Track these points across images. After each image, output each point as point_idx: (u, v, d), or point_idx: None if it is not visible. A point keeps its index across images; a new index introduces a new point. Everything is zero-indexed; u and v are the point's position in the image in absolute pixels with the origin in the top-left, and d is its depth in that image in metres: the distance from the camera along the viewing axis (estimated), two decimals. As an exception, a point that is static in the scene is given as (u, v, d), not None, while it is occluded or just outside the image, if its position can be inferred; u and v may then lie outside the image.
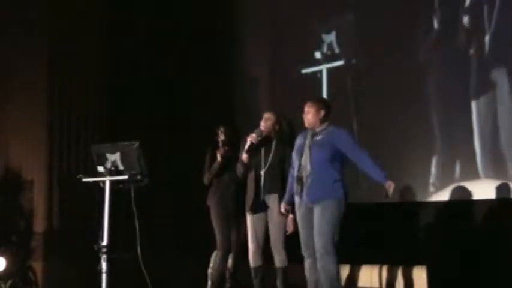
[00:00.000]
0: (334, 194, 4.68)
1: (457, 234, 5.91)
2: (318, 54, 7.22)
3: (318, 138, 4.76)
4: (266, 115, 5.40)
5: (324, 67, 7.17)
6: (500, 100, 5.90)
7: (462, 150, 6.13)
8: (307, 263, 4.82)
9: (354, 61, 6.98)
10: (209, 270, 5.63)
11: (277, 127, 5.34)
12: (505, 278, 5.46)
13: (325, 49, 7.19)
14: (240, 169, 5.36)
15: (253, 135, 5.26)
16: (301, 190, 4.71)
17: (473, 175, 6.04)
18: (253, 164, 5.30)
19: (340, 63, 7.07)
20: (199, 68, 8.00)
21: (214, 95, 7.87)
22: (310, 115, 4.81)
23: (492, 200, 5.88)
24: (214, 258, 5.60)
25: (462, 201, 6.12)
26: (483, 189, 5.92)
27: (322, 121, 4.81)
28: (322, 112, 4.80)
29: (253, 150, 5.26)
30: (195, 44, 8.04)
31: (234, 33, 8.07)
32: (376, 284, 6.35)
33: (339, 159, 4.74)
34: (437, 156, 6.26)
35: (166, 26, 8.12)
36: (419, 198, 6.37)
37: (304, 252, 4.81)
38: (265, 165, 5.25)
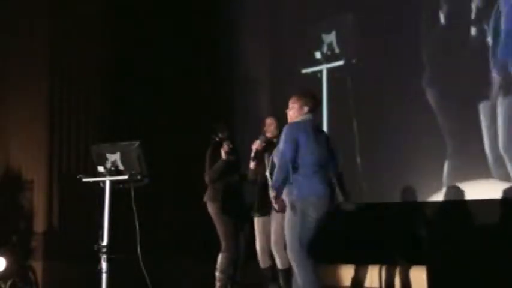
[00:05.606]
0: None
1: (457, 234, 5.91)
2: (318, 54, 7.22)
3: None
4: (268, 120, 5.50)
5: (324, 67, 7.17)
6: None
7: (462, 150, 6.13)
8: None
9: (354, 61, 6.98)
10: (217, 273, 5.56)
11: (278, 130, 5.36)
12: (505, 278, 5.45)
13: (325, 49, 7.19)
14: (250, 176, 5.46)
15: (258, 141, 5.35)
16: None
17: (474, 175, 6.04)
18: (260, 169, 5.35)
19: (340, 63, 7.07)
20: (199, 68, 8.00)
21: (214, 95, 7.86)
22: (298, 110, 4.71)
23: (492, 200, 5.88)
24: (221, 261, 5.54)
25: (463, 201, 6.11)
26: (483, 190, 5.92)
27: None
28: (306, 108, 4.71)
29: (260, 156, 5.33)
30: (195, 44, 8.04)
31: (234, 33, 8.07)
32: (376, 284, 6.35)
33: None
34: (438, 155, 6.25)
35: (166, 26, 8.13)
36: (420, 198, 6.36)
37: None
38: (268, 168, 5.25)
